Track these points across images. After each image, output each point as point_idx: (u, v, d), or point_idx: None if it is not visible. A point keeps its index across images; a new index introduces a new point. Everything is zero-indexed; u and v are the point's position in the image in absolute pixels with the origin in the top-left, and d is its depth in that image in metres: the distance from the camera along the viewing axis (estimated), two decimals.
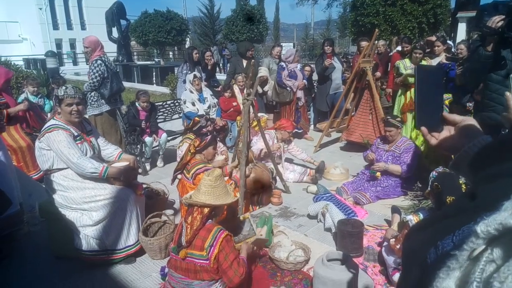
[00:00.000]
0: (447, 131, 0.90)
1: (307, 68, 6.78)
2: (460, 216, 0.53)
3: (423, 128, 0.90)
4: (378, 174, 4.06)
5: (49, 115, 5.50)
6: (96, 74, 4.48)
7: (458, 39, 15.97)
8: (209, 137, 3.58)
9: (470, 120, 0.87)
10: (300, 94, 6.23)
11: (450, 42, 7.61)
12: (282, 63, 6.21)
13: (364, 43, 5.82)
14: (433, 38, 6.31)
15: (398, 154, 4.02)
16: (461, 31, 16.41)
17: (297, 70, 6.18)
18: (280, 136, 4.73)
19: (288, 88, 6.06)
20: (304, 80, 6.28)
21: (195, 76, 5.29)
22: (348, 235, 2.97)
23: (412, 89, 5.26)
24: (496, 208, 0.39)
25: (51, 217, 2.94)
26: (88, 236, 2.76)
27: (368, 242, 3.12)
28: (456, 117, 0.89)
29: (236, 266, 2.16)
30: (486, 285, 0.38)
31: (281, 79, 6.04)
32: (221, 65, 16.26)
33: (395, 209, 3.33)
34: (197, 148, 3.48)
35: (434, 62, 5.37)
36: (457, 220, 0.51)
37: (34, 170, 4.48)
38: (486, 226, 0.39)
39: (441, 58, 5.45)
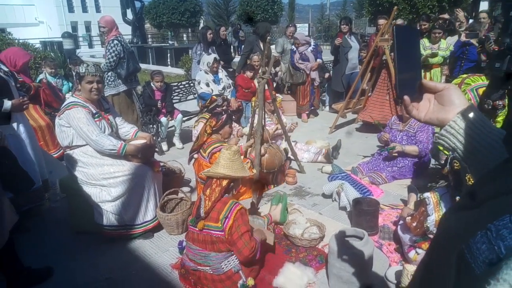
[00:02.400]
0: (426, 101, 0.81)
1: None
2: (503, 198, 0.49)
3: (406, 97, 0.80)
4: (395, 154, 3.99)
5: (67, 95, 5.58)
6: (113, 54, 4.51)
7: (480, 18, 15.44)
8: (224, 116, 3.58)
9: (452, 87, 0.79)
10: (314, 75, 6.21)
11: (471, 20, 7.36)
12: (293, 46, 6.18)
13: (382, 21, 5.67)
14: (446, 15, 6.11)
15: (412, 134, 3.96)
16: (483, 8, 15.86)
17: (307, 52, 6.14)
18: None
19: (301, 71, 6.06)
20: (319, 59, 6.22)
21: (215, 60, 5.27)
22: (364, 213, 2.98)
23: (432, 70, 5.15)
24: None
25: (71, 193, 3.02)
26: (108, 211, 2.83)
27: (383, 221, 3.12)
28: (437, 84, 0.81)
29: (247, 238, 2.18)
30: None
31: (294, 62, 6.07)
32: (235, 47, 16.12)
33: (411, 188, 3.31)
34: (213, 128, 3.50)
35: (454, 39, 5.21)
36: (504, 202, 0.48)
37: (54, 149, 4.58)
38: None
39: (462, 36, 5.28)
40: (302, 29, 22.92)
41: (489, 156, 0.72)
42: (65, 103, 2.83)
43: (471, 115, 0.75)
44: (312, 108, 6.73)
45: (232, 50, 10.93)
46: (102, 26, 4.54)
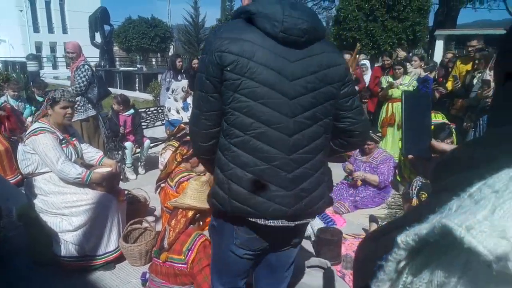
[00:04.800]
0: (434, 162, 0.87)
1: None
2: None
3: (411, 157, 0.86)
4: (359, 182, 4.16)
5: (28, 119, 5.42)
6: (84, 79, 4.49)
7: (436, 56, 16.57)
8: None
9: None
10: None
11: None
12: None
13: (347, 56, 5.98)
14: (402, 51, 6.53)
15: (375, 165, 4.14)
16: (439, 48, 17.05)
17: None
18: None
19: None
20: None
21: (183, 86, 5.35)
22: (327, 243, 3.05)
23: (392, 104, 5.44)
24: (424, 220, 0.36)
25: (30, 222, 2.90)
26: (68, 241, 2.74)
27: (346, 250, 3.20)
28: (444, 146, 0.85)
29: (207, 273, 2.16)
30: None
31: None
32: None
33: (372, 218, 3.43)
34: (184, 157, 3.49)
35: (412, 75, 5.57)
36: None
37: (12, 174, 4.40)
38: (406, 236, 0.36)
39: (419, 72, 5.66)
40: None
41: None
42: (31, 128, 2.76)
43: None
44: None
45: None
46: (71, 51, 4.51)
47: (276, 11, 1.24)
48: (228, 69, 1.22)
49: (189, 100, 5.49)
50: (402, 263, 0.37)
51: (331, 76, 1.33)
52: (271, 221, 1.36)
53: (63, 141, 2.78)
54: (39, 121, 2.81)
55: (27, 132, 2.76)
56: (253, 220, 1.36)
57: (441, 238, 0.32)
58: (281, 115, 1.28)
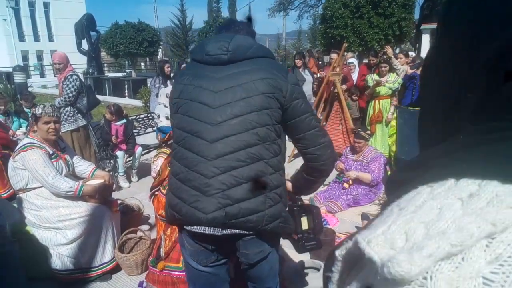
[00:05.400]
0: None
1: None
2: None
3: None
4: (346, 185, 4.23)
5: (17, 132, 5.38)
6: (72, 89, 4.48)
7: (423, 50, 16.75)
8: None
9: None
10: None
11: (412, 53, 8.00)
12: None
13: (334, 55, 6.04)
14: (389, 49, 6.58)
15: (366, 164, 4.20)
16: (425, 42, 17.23)
17: None
18: None
19: None
20: None
21: (168, 94, 5.34)
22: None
23: (379, 101, 5.52)
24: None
25: (23, 237, 2.89)
26: (63, 255, 2.74)
27: None
28: None
29: None
30: None
31: None
32: None
33: (364, 216, 3.48)
34: None
35: (400, 72, 5.65)
36: None
37: (3, 189, 4.37)
38: (341, 250, 0.38)
39: (406, 68, 5.73)
40: None
41: None
42: (20, 144, 2.76)
43: None
44: None
45: None
46: (58, 62, 4.50)
47: (205, 42, 1.49)
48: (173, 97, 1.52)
49: None
50: (344, 275, 0.39)
51: (263, 86, 1.38)
52: (195, 228, 1.41)
53: (53, 156, 2.78)
54: (28, 136, 2.81)
55: (17, 148, 2.76)
56: (188, 228, 1.44)
57: (356, 249, 0.35)
58: (203, 122, 1.38)
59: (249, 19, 1.69)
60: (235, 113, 1.36)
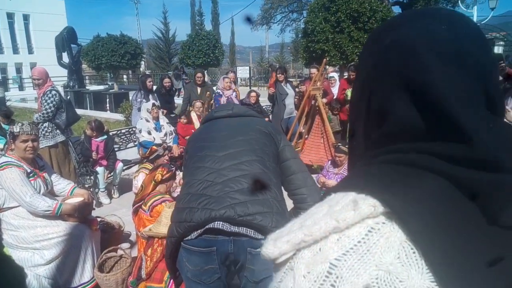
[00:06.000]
0: None
1: (253, 94, 7.05)
2: None
3: None
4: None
5: None
6: (51, 105, 4.43)
7: None
8: (174, 168, 3.59)
9: None
10: None
11: None
12: (219, 91, 6.49)
13: (314, 70, 6.15)
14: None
15: None
16: None
17: (233, 97, 6.49)
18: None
19: None
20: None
21: (153, 105, 5.31)
22: None
23: None
24: None
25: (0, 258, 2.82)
26: (40, 275, 2.68)
27: None
28: None
29: None
30: None
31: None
32: (182, 89, 16.21)
33: None
34: (163, 178, 3.48)
35: None
36: None
37: None
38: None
39: None
40: (243, 72, 23.81)
41: None
42: None
43: None
44: None
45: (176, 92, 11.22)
46: (37, 78, 4.45)
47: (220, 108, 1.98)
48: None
49: (162, 120, 5.47)
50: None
51: (258, 122, 1.80)
52: (208, 224, 1.46)
53: (31, 174, 2.74)
54: (6, 155, 2.77)
55: None
56: (194, 234, 1.48)
57: None
58: (215, 146, 1.68)
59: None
60: (237, 137, 1.69)
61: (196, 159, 1.66)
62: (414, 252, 0.37)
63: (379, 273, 0.37)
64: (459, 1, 16.56)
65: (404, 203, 0.39)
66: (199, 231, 1.47)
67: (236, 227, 1.45)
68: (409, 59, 0.46)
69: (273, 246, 0.42)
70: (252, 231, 1.46)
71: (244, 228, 1.45)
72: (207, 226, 1.45)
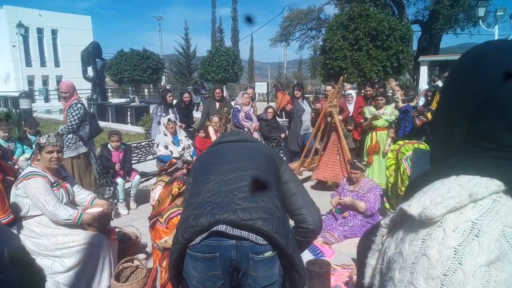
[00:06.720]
0: None
1: (270, 110, 7.13)
2: None
3: None
4: (346, 213, 4.26)
5: (20, 159, 5.47)
6: (76, 118, 4.61)
7: (421, 81, 17.07)
8: None
9: None
10: (256, 135, 6.58)
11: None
12: (237, 106, 6.60)
13: (329, 88, 6.21)
14: (393, 81, 6.76)
15: (362, 194, 4.25)
16: (423, 73, 17.59)
17: (251, 112, 6.58)
18: None
19: (245, 129, 6.40)
20: (257, 122, 6.67)
21: (169, 120, 5.44)
22: (316, 276, 3.10)
23: (376, 132, 5.62)
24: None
25: (21, 264, 2.92)
26: (60, 283, 2.77)
27: (335, 281, 3.25)
28: None
29: None
30: (388, 258, 0.65)
31: (239, 120, 6.45)
32: (200, 103, 16.49)
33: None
34: (180, 191, 3.54)
35: (392, 106, 5.78)
36: None
37: (4, 214, 4.40)
38: (385, 220, 0.69)
39: (399, 103, 5.87)
40: (261, 87, 24.00)
41: None
42: (23, 173, 2.85)
43: None
44: None
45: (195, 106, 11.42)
46: (64, 91, 4.65)
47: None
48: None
49: (180, 134, 5.59)
50: (384, 237, 0.69)
51: (262, 146, 2.03)
52: (213, 228, 1.53)
53: (55, 184, 2.86)
54: (31, 165, 2.90)
55: (20, 176, 2.84)
56: (199, 238, 1.55)
57: (400, 216, 0.65)
58: (220, 161, 1.82)
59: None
60: (243, 155, 1.85)
61: (202, 173, 1.78)
62: None
63: (504, 228, 0.55)
64: (480, 21, 16.40)
65: None
66: (203, 235, 1.55)
67: (238, 230, 1.53)
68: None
69: (435, 209, 0.58)
70: (254, 235, 1.53)
71: (246, 232, 1.53)
72: (211, 230, 1.53)
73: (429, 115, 5.28)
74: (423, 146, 4.43)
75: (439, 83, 8.80)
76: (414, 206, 0.61)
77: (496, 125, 0.65)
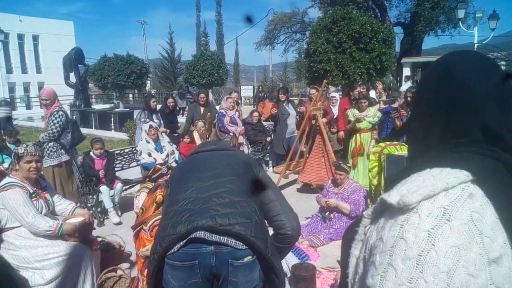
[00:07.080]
0: None
1: (255, 114, 7.13)
2: None
3: None
4: (331, 215, 4.28)
5: None
6: (57, 125, 4.54)
7: (403, 82, 17.35)
8: None
9: None
10: (242, 139, 6.56)
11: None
12: (222, 110, 6.59)
13: (313, 91, 6.25)
14: (379, 84, 6.85)
15: (346, 196, 4.28)
16: (406, 74, 17.89)
17: (235, 116, 6.57)
18: None
19: (230, 134, 6.38)
20: (242, 127, 6.65)
21: (150, 127, 5.36)
22: (302, 280, 3.10)
23: (360, 134, 5.68)
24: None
25: (0, 278, 2.85)
26: None
27: (321, 284, 3.26)
28: None
29: None
30: (370, 246, 0.72)
31: (223, 125, 6.43)
32: (186, 108, 16.37)
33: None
34: (164, 198, 3.49)
35: (377, 108, 5.84)
36: None
37: None
38: (367, 211, 0.78)
39: (381, 104, 5.95)
40: (247, 91, 24.01)
41: None
42: (0, 184, 2.77)
43: None
44: None
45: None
46: (45, 98, 4.58)
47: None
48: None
49: (163, 141, 5.53)
50: (367, 227, 0.77)
51: (240, 154, 2.08)
52: (192, 234, 1.52)
53: (33, 195, 2.80)
54: (10, 175, 2.84)
55: None
56: (177, 246, 1.53)
57: (381, 206, 0.73)
58: (198, 168, 1.85)
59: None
60: (221, 163, 1.86)
61: (179, 181, 1.79)
62: (488, 202, 0.65)
63: (472, 213, 0.63)
64: (460, 22, 16.77)
65: (481, 174, 0.66)
66: (181, 242, 1.53)
67: (217, 236, 1.52)
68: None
69: (411, 196, 0.65)
70: (233, 240, 1.53)
71: (225, 238, 1.53)
72: (189, 237, 1.52)
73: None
74: (405, 147, 4.49)
75: (409, 84, 8.93)
76: (393, 195, 0.69)
77: (466, 124, 0.73)
